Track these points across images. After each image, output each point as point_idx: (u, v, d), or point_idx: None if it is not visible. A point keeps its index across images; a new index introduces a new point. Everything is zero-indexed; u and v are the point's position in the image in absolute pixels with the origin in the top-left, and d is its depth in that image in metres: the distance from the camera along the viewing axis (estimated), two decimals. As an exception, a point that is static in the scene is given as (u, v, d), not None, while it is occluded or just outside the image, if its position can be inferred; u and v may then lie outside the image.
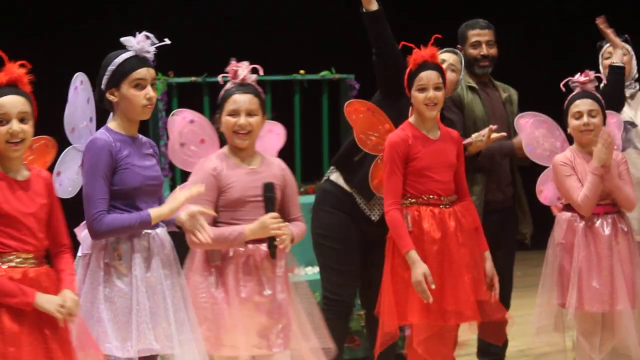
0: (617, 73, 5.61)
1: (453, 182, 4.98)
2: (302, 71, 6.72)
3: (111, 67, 4.08)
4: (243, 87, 4.49)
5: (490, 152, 5.33)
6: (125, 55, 4.09)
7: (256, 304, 4.42)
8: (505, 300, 5.54)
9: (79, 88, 4.25)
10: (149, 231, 4.07)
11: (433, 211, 4.89)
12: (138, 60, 4.08)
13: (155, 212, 4.04)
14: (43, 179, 3.86)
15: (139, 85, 4.07)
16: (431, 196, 4.92)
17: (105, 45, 4.21)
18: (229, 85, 4.52)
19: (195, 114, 4.72)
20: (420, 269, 4.77)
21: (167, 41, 4.13)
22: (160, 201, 4.22)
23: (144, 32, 4.10)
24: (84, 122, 4.27)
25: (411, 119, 5.00)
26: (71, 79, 4.38)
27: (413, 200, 4.94)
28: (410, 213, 4.90)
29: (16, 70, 3.70)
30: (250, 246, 4.41)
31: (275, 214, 4.41)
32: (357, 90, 8.08)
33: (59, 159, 4.27)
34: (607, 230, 5.06)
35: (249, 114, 4.45)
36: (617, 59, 5.70)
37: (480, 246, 5.04)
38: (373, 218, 5.33)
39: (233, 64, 4.49)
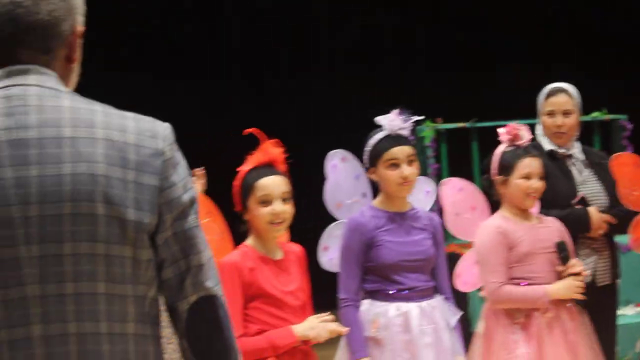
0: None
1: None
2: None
3: (367, 148, 4.14)
4: (532, 149, 4.52)
5: None
6: (378, 136, 4.11)
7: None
8: None
9: (339, 165, 4.33)
10: None
11: None
12: (390, 140, 4.08)
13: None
14: (295, 254, 3.87)
15: (393, 164, 4.08)
16: None
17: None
18: (509, 148, 4.49)
19: (463, 182, 4.77)
20: None
21: (419, 117, 4.11)
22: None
23: (396, 110, 4.10)
24: (354, 198, 4.32)
25: None
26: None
27: None
28: None
29: (272, 149, 3.76)
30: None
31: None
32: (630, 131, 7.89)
33: (324, 234, 4.37)
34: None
35: (541, 177, 4.47)
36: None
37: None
38: None
39: (511, 126, 4.50)
